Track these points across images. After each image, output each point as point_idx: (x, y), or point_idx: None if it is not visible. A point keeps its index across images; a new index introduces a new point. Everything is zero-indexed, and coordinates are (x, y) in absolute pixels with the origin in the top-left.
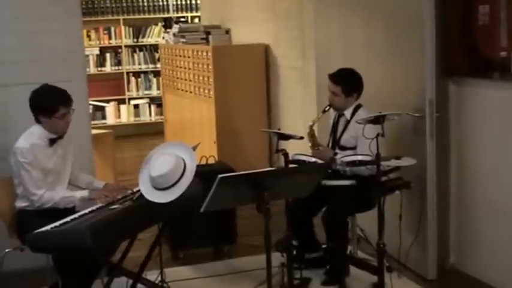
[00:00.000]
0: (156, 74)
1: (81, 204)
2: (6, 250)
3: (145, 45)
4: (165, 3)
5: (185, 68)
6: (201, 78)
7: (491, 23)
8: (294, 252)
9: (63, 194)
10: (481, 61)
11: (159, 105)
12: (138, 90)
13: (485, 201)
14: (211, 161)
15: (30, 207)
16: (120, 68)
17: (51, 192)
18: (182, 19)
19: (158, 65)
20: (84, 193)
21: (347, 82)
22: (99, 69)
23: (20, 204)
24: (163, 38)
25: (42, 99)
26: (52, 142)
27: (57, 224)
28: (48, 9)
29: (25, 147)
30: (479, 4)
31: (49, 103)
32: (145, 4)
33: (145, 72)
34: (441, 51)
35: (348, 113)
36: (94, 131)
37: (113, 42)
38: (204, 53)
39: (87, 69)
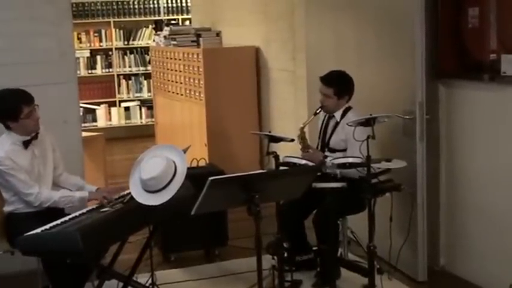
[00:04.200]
0: (147, 76)
1: (80, 204)
2: None
3: (136, 48)
4: (156, 5)
5: (176, 70)
6: (191, 80)
7: (481, 26)
8: (285, 255)
9: (63, 193)
10: (470, 63)
11: (150, 108)
12: (128, 92)
13: (475, 203)
14: (201, 163)
15: (19, 211)
16: (110, 70)
17: (50, 191)
18: (173, 21)
19: (149, 68)
20: (84, 193)
21: (339, 84)
22: (89, 71)
23: (8, 208)
24: (154, 40)
25: (2, 104)
26: (26, 144)
27: (47, 226)
28: (39, 12)
29: (1, 156)
30: (468, 6)
31: (10, 106)
32: (136, 6)
33: (136, 75)
34: (431, 53)
35: (337, 115)
36: (84, 134)
37: (104, 44)
38: (195, 56)
39: (78, 72)
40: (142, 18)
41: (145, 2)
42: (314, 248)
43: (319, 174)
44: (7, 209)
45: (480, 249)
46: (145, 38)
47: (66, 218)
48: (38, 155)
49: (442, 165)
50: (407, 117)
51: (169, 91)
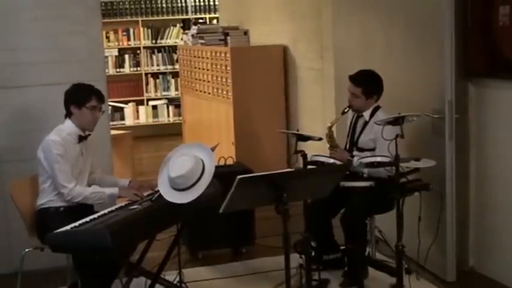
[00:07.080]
0: (175, 75)
1: (110, 201)
2: (27, 249)
3: (163, 47)
4: (183, 4)
5: (203, 69)
6: (219, 79)
7: None
8: (312, 254)
9: (93, 189)
10: (501, 62)
11: (178, 106)
12: (156, 91)
13: (505, 203)
14: (229, 162)
15: (51, 204)
16: (138, 69)
17: (82, 187)
18: (201, 20)
19: (177, 66)
20: (114, 190)
21: (367, 84)
22: (118, 70)
23: (42, 201)
24: (181, 39)
25: (77, 89)
26: (80, 139)
27: (76, 224)
28: (69, 11)
29: (57, 140)
30: (499, 5)
31: (83, 92)
32: (164, 5)
33: (163, 73)
34: (461, 52)
35: (366, 114)
36: (113, 132)
37: (132, 43)
38: (223, 54)
39: (106, 71)
40: (170, 17)
41: (173, 1)
42: (342, 247)
43: (347, 173)
44: (39, 201)
45: (510, 249)
46: (173, 36)
47: (96, 216)
48: (84, 154)
49: (471, 164)
50: (436, 116)
51: (197, 90)
